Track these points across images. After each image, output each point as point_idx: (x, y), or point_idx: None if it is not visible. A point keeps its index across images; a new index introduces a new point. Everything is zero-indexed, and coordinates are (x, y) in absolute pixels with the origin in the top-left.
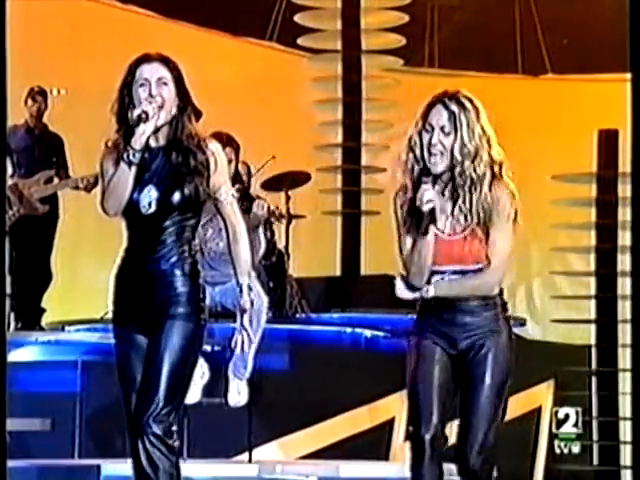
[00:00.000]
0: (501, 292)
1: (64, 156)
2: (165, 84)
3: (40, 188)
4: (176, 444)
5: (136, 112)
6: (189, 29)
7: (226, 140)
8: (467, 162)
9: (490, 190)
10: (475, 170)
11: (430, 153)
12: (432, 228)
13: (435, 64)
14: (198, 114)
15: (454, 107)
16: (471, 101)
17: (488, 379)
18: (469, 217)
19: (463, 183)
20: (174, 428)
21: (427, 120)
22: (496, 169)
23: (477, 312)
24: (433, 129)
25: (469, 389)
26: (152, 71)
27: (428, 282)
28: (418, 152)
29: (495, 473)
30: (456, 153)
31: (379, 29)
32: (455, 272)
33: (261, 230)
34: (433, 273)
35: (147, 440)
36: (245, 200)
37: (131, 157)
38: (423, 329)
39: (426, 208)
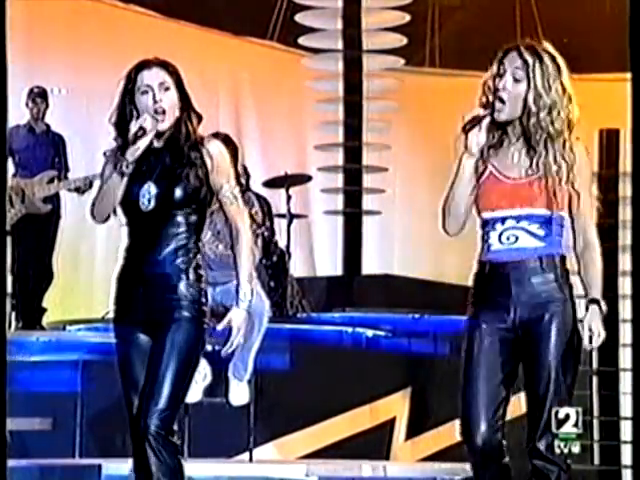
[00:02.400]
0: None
1: (65, 156)
2: (167, 89)
3: (42, 188)
4: (178, 441)
5: (134, 127)
6: (190, 29)
7: (223, 141)
8: (542, 114)
9: (564, 148)
10: (552, 124)
11: (497, 98)
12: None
13: (436, 64)
14: (199, 117)
15: (528, 56)
16: (552, 56)
17: (553, 353)
18: (539, 168)
19: (538, 136)
20: (175, 427)
21: (501, 65)
22: (572, 130)
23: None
24: (505, 73)
25: (531, 369)
26: (153, 77)
27: (493, 229)
28: (491, 97)
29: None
30: (530, 103)
31: (380, 29)
32: (522, 218)
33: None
34: (503, 219)
35: (151, 438)
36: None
37: (124, 168)
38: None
39: (473, 150)
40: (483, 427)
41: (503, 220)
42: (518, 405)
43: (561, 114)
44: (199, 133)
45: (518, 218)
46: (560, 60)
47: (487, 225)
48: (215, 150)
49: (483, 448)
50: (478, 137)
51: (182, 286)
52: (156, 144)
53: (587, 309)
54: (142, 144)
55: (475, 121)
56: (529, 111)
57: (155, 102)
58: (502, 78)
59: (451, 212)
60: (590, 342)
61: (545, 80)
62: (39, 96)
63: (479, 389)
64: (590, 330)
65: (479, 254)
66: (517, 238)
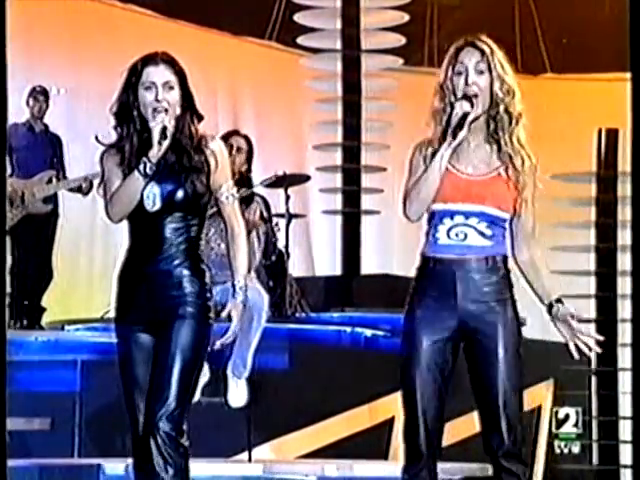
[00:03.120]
0: (506, 258)
1: (62, 156)
2: (171, 88)
3: (42, 188)
4: (187, 443)
5: (158, 127)
6: (188, 28)
7: (244, 140)
8: (508, 99)
9: (521, 134)
10: (516, 107)
11: (466, 96)
12: (448, 164)
13: (435, 63)
14: (200, 117)
15: (484, 47)
16: (492, 45)
17: (502, 352)
18: (500, 157)
19: (503, 121)
20: (185, 427)
21: (458, 62)
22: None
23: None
24: (466, 70)
25: (481, 369)
26: (159, 75)
27: (441, 223)
28: (453, 97)
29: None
30: (497, 90)
31: (379, 28)
32: (473, 215)
33: (254, 235)
34: (452, 214)
35: (160, 439)
36: (247, 202)
37: (147, 170)
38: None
39: (459, 115)
40: (427, 430)
41: (452, 215)
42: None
43: (517, 96)
44: (200, 132)
45: (468, 214)
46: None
47: (434, 218)
48: (218, 150)
49: (427, 454)
50: (460, 132)
51: (185, 282)
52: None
53: (552, 310)
54: (165, 145)
55: (464, 118)
56: (497, 99)
57: (157, 101)
58: (463, 75)
59: (420, 199)
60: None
61: (502, 66)
62: (41, 94)
63: (421, 391)
64: (573, 318)
65: (423, 248)
66: (466, 235)
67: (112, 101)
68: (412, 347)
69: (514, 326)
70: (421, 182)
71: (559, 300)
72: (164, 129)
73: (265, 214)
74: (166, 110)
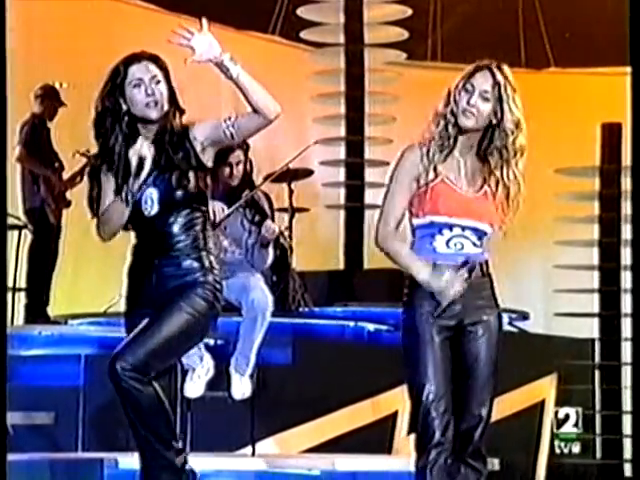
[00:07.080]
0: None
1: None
2: (159, 82)
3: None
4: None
5: (134, 158)
6: (191, 23)
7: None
8: (517, 131)
9: (517, 167)
10: (515, 143)
11: (464, 113)
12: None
13: (438, 58)
14: (181, 111)
15: (500, 77)
16: (510, 76)
17: (484, 355)
18: (491, 186)
19: (498, 154)
20: (152, 373)
21: (469, 81)
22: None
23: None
24: (474, 91)
25: (465, 366)
26: (144, 70)
27: (440, 234)
28: (455, 108)
29: (497, 466)
30: (508, 124)
31: (382, 22)
32: (468, 228)
33: (270, 248)
34: (451, 226)
35: (120, 374)
36: (256, 211)
37: (129, 198)
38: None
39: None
40: (443, 419)
41: (451, 227)
42: (518, 400)
43: (523, 133)
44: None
45: (464, 227)
46: (513, 80)
47: (432, 228)
48: (199, 128)
49: (439, 447)
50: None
51: (197, 274)
52: (147, 142)
53: None
54: (144, 174)
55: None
56: (495, 131)
57: (147, 95)
58: (469, 94)
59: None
60: None
61: (512, 100)
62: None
63: (431, 382)
64: None
65: (418, 254)
66: (463, 246)
67: (92, 111)
68: (418, 341)
69: (496, 334)
70: (394, 205)
71: None
72: (140, 159)
73: (281, 230)
74: (156, 103)
